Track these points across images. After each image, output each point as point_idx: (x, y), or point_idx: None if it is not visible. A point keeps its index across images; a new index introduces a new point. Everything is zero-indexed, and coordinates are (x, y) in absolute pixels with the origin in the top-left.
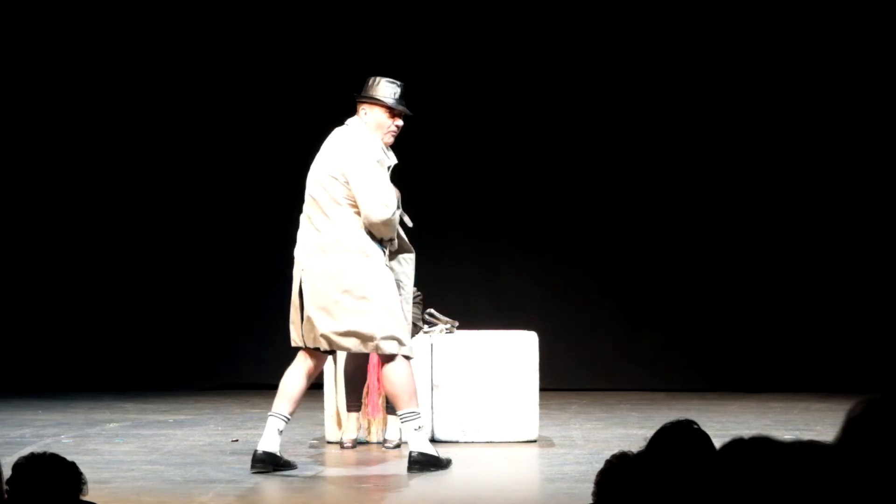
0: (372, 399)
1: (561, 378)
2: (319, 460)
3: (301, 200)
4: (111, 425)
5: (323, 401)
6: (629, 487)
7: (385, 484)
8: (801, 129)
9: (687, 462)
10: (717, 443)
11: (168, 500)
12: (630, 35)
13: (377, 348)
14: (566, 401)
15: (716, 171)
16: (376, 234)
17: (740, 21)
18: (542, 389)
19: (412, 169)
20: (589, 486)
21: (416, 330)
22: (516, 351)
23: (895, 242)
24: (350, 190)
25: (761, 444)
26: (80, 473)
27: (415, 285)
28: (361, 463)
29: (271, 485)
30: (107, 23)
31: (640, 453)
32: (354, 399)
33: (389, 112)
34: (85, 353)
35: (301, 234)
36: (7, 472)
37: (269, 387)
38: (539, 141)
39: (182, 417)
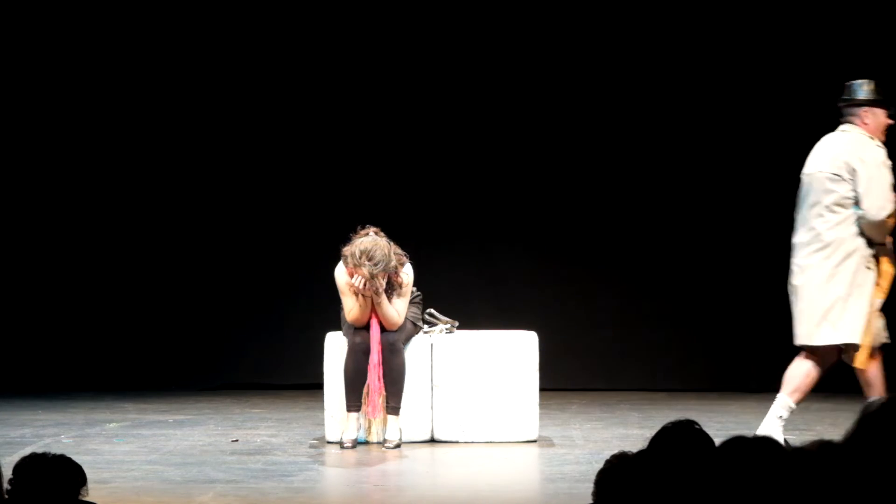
0: (372, 399)
1: (561, 378)
2: (319, 460)
3: (299, 204)
4: (111, 425)
5: (323, 401)
6: (628, 487)
7: (385, 484)
8: (801, 129)
9: (688, 462)
10: (718, 443)
11: (168, 500)
12: (629, 36)
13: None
14: (566, 401)
15: (715, 171)
16: (866, 232)
17: (739, 21)
18: (542, 389)
19: (413, 169)
20: (589, 486)
21: (416, 330)
22: (516, 351)
23: (894, 243)
24: (852, 188)
25: (763, 445)
26: (82, 473)
27: (414, 285)
28: (361, 463)
29: (271, 485)
30: (122, 22)
31: (639, 453)
32: (354, 399)
33: (886, 113)
34: (85, 353)
35: (796, 236)
36: (7, 473)
37: (269, 387)
38: (539, 141)
39: (182, 417)
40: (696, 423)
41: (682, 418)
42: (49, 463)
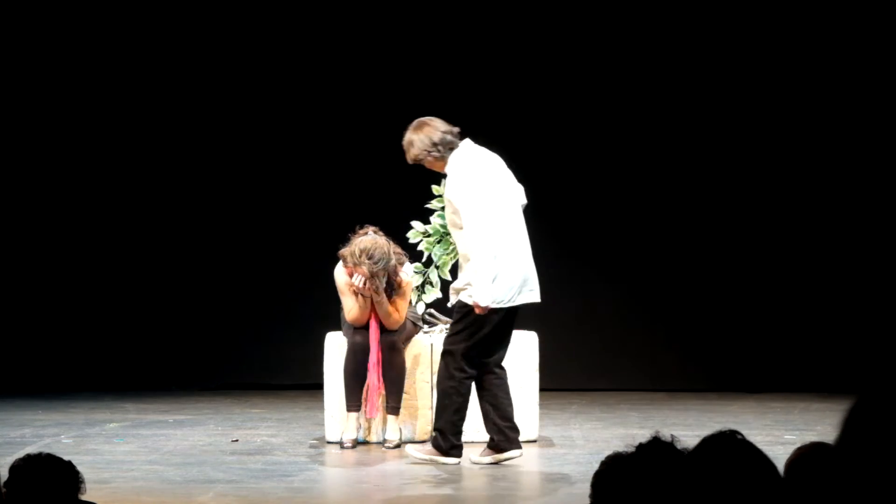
0: (372, 399)
1: (561, 378)
2: (319, 460)
3: (252, 197)
4: (111, 425)
5: (323, 401)
6: (624, 488)
7: (385, 484)
8: (800, 128)
9: (733, 474)
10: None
11: (168, 500)
12: (630, 35)
13: None
14: (566, 401)
15: (715, 171)
16: None
17: (739, 21)
18: (542, 389)
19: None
20: (589, 487)
21: (416, 330)
22: (516, 351)
23: (894, 242)
24: None
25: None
26: (78, 473)
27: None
28: (361, 463)
29: (271, 485)
30: (122, 23)
31: (635, 453)
32: (354, 399)
33: None
34: (85, 353)
35: None
36: (4, 473)
37: (269, 387)
38: (539, 141)
39: (182, 417)
40: (740, 434)
41: (725, 429)
42: (44, 464)
